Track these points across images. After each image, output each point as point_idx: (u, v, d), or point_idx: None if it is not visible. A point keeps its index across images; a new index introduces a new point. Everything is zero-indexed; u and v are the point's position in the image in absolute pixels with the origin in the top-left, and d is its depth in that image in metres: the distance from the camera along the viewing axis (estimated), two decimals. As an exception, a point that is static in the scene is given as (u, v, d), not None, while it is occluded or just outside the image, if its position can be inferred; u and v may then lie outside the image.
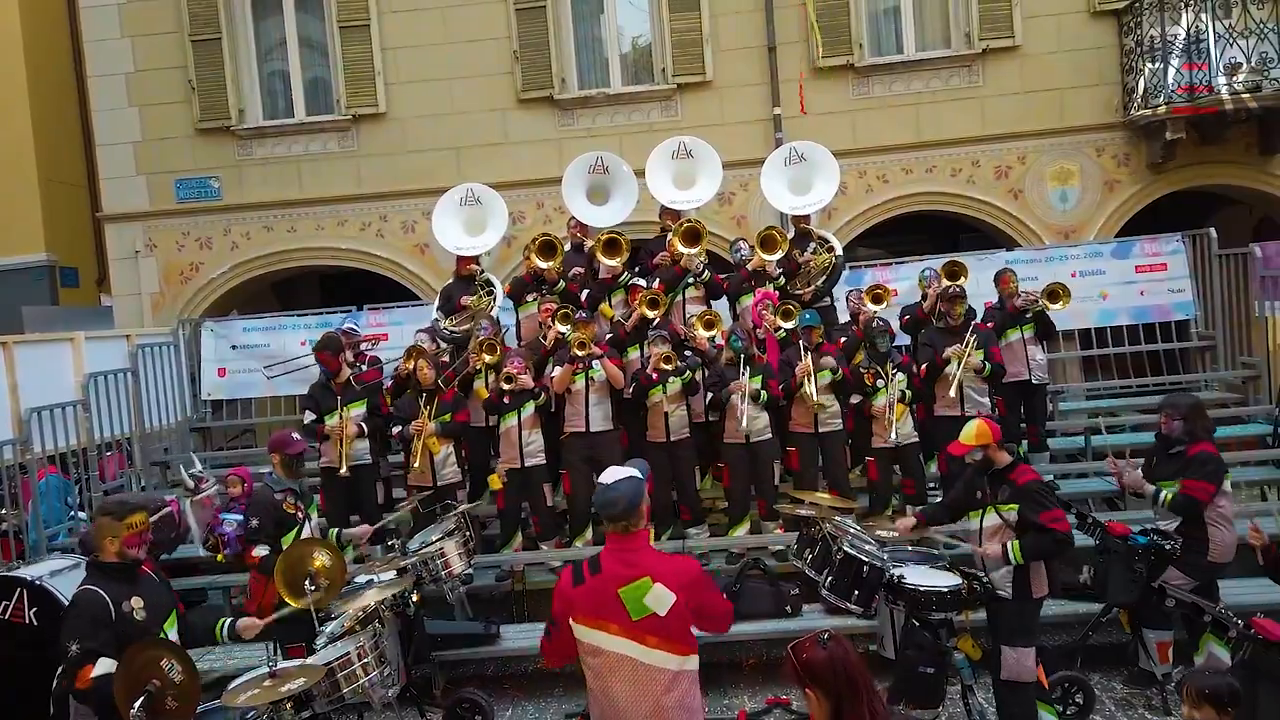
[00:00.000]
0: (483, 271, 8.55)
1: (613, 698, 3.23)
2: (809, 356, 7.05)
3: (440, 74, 10.77)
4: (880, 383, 7.11)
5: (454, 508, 6.49)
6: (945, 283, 7.69)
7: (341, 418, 7.13)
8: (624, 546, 3.28)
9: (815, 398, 6.96)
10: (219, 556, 7.14)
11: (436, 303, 8.61)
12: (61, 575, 5.79)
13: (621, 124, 10.70)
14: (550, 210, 10.37)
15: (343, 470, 7.05)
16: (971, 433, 5.02)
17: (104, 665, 3.83)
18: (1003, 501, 4.95)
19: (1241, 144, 10.19)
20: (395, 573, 5.63)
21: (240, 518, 6.63)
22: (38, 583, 5.65)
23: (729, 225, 10.49)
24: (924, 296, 8.26)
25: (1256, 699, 4.15)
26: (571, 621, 3.30)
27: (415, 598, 5.62)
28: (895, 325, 7.77)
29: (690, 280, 7.88)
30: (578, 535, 7.24)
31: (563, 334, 7.22)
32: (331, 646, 4.89)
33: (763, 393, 7.01)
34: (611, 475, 3.35)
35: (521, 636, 6.52)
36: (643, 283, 7.86)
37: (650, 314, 7.35)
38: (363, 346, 8.24)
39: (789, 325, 7.42)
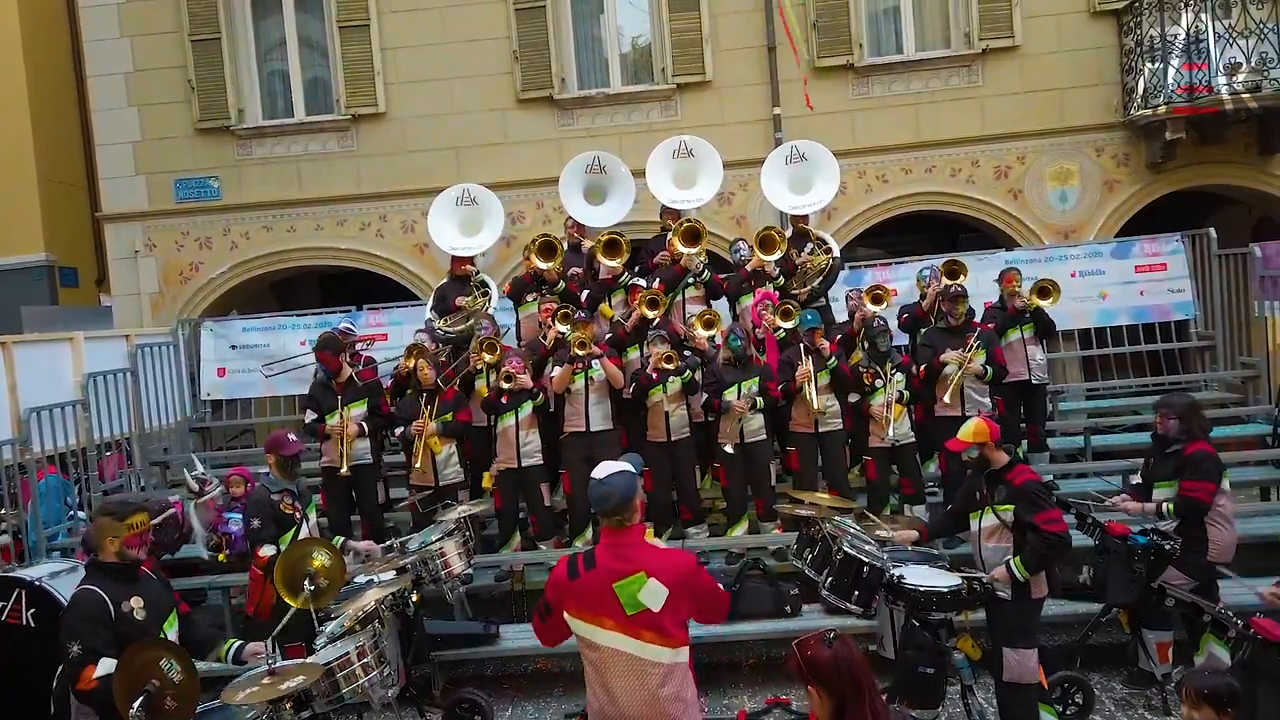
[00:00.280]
0: (478, 272, 8.54)
1: (610, 691, 3.27)
2: (809, 360, 7.04)
3: (440, 74, 10.77)
4: (879, 382, 7.12)
5: (454, 508, 6.49)
6: (945, 282, 7.69)
7: (342, 417, 7.13)
8: (618, 541, 3.31)
9: (816, 405, 6.96)
10: (220, 556, 7.13)
11: (430, 302, 8.60)
12: (60, 577, 5.78)
13: (621, 124, 10.70)
14: (550, 210, 10.36)
15: (343, 470, 7.05)
16: (970, 430, 5.03)
17: (105, 665, 3.83)
18: (999, 502, 4.95)
19: (1241, 144, 10.19)
20: (395, 572, 5.62)
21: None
22: (36, 584, 5.64)
23: (729, 225, 10.49)
24: (922, 296, 8.26)
25: (1256, 699, 4.14)
26: (566, 615, 3.33)
27: (415, 598, 5.62)
28: (893, 325, 7.76)
29: (690, 280, 7.88)
30: (577, 535, 7.23)
31: (562, 334, 7.22)
32: (331, 646, 4.88)
33: (759, 399, 7.02)
34: (604, 470, 3.37)
35: (521, 637, 6.51)
36: (642, 283, 7.86)
37: (650, 314, 7.35)
38: (358, 346, 8.23)
39: (788, 325, 7.43)
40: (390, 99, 10.84)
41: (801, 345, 7.21)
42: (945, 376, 7.11)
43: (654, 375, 6.97)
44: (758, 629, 6.33)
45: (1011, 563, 4.84)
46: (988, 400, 7.24)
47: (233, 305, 11.30)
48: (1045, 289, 7.71)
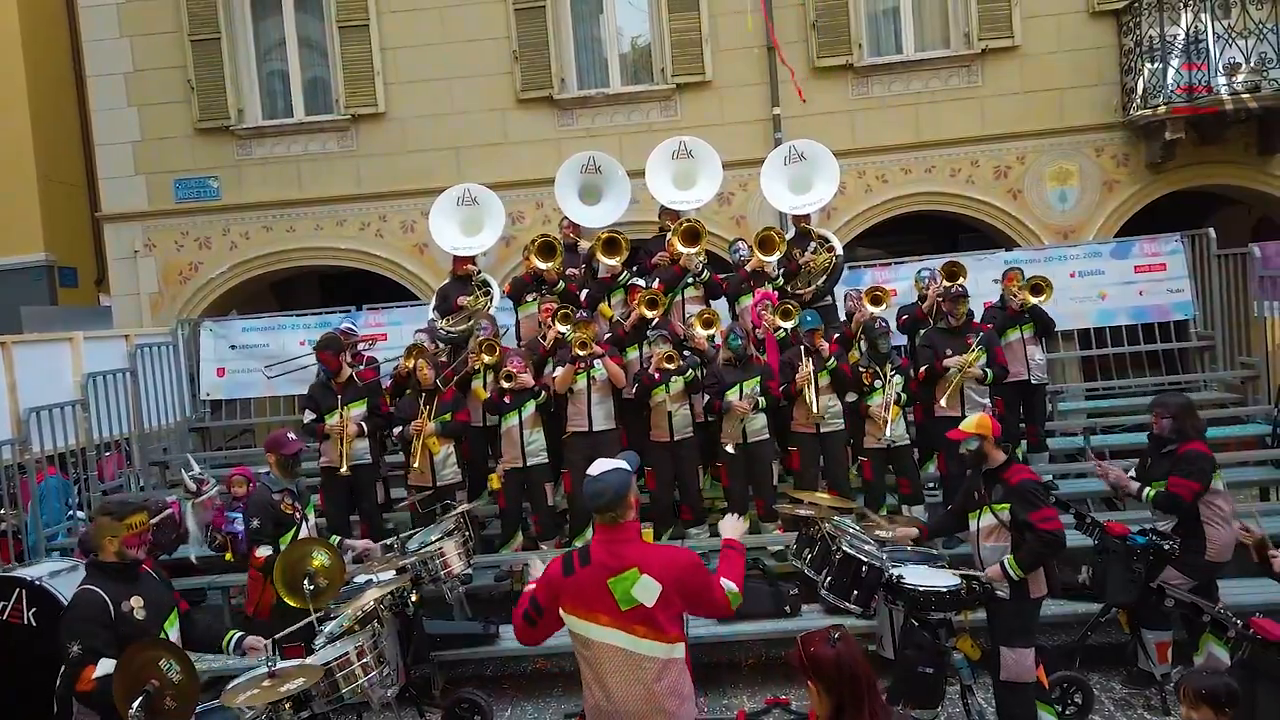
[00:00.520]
0: (480, 272, 8.55)
1: (606, 687, 3.29)
2: (809, 362, 7.04)
3: (439, 74, 10.77)
4: (878, 383, 7.12)
5: (454, 508, 6.49)
6: (945, 283, 7.69)
7: (342, 417, 7.14)
8: (612, 538, 3.32)
9: (816, 408, 6.97)
10: (227, 555, 7.12)
11: (433, 303, 8.61)
12: (60, 576, 5.78)
13: (621, 124, 10.70)
14: (549, 210, 10.35)
15: (343, 469, 7.05)
16: (973, 422, 5.07)
17: (105, 666, 3.83)
18: (996, 501, 4.96)
19: (1240, 144, 10.20)
20: (394, 572, 5.63)
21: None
22: (37, 583, 5.64)
23: (728, 225, 10.49)
24: (921, 297, 8.26)
25: (1255, 699, 4.14)
26: (562, 611, 3.35)
27: (414, 597, 5.61)
28: (892, 325, 7.76)
29: (690, 280, 7.88)
30: (578, 535, 7.23)
31: (563, 334, 7.22)
32: (330, 646, 4.88)
33: (761, 400, 7.02)
34: (599, 467, 3.39)
35: (520, 636, 6.52)
36: (642, 283, 7.86)
37: (649, 314, 7.35)
38: (359, 346, 8.24)
39: (788, 325, 7.43)
40: (390, 99, 10.84)
41: (801, 346, 7.21)
42: (945, 379, 7.12)
43: (656, 375, 6.97)
44: (757, 629, 6.33)
45: (1006, 561, 4.85)
46: (987, 401, 7.24)
47: (232, 305, 11.30)
48: (1038, 286, 7.73)
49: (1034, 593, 4.90)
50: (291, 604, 4.88)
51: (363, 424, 7.24)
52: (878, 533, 5.62)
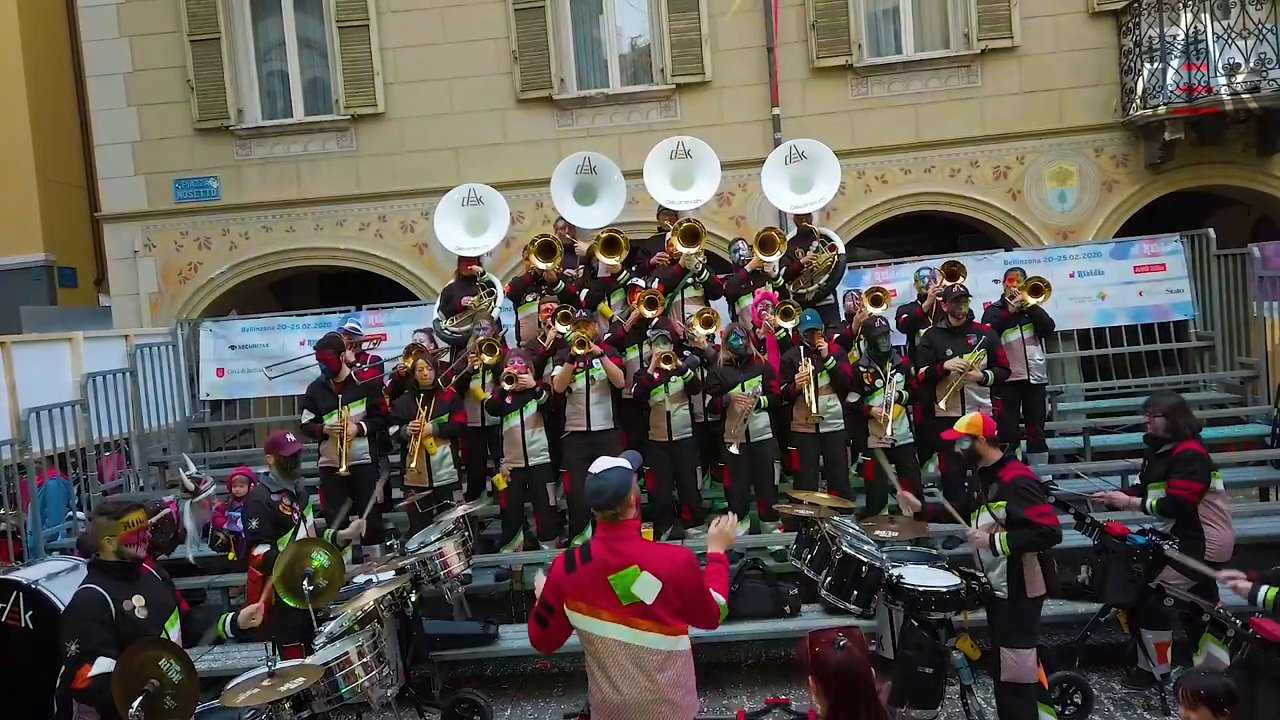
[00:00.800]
0: (484, 273, 8.55)
1: (611, 681, 3.35)
2: (809, 362, 7.04)
3: (439, 74, 10.77)
4: (878, 383, 7.12)
5: (454, 508, 6.49)
6: (945, 283, 7.69)
7: (341, 417, 7.13)
8: (613, 535, 3.38)
9: (815, 409, 6.96)
10: (230, 555, 7.12)
11: (437, 303, 8.61)
12: (58, 578, 5.77)
13: (620, 124, 10.70)
14: (549, 211, 10.32)
15: (342, 470, 7.05)
16: (964, 421, 5.09)
17: (103, 664, 3.83)
18: (992, 499, 4.97)
19: (1240, 144, 10.20)
20: (394, 573, 5.63)
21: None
22: (34, 586, 5.63)
23: (728, 225, 10.49)
24: (921, 297, 8.26)
25: (1254, 699, 4.14)
26: (566, 608, 3.41)
27: (414, 597, 5.62)
28: (892, 325, 7.76)
29: (689, 280, 7.88)
30: (578, 535, 7.23)
31: (562, 334, 7.22)
32: (330, 646, 4.89)
33: (763, 398, 7.02)
34: (601, 465, 3.45)
35: (520, 637, 6.51)
36: (641, 283, 7.86)
37: (649, 314, 7.35)
38: (364, 346, 8.24)
39: (789, 325, 7.43)
40: (389, 99, 10.84)
41: (801, 347, 7.21)
42: (945, 380, 7.12)
43: (655, 375, 6.97)
44: (757, 629, 6.33)
45: (998, 536, 4.85)
46: (988, 402, 7.25)
47: (232, 305, 11.30)
48: (1037, 287, 7.74)
49: (1031, 592, 4.90)
50: (291, 604, 4.87)
51: (362, 424, 7.24)
52: (877, 533, 5.62)
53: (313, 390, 7.44)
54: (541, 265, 7.79)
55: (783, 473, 7.58)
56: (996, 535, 4.86)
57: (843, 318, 8.29)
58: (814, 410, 6.97)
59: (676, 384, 7.09)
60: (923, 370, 7.25)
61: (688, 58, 10.56)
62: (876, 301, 7.58)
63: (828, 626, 2.83)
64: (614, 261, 7.77)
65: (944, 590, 4.94)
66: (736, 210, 10.62)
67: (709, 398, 7.19)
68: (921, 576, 5.10)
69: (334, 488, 7.24)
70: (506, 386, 7.00)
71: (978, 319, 7.64)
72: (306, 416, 7.32)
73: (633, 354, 7.53)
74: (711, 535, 3.76)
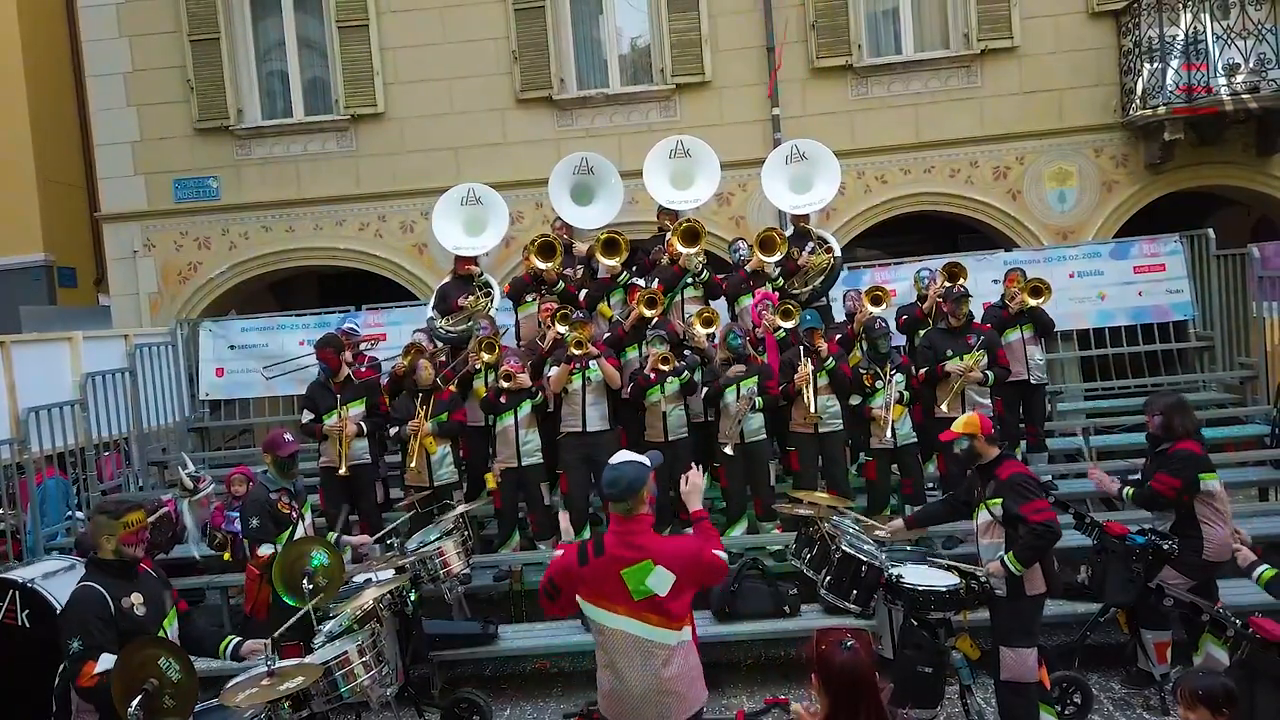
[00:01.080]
0: (481, 273, 8.54)
1: (618, 672, 3.48)
2: (808, 362, 7.04)
3: (439, 74, 10.77)
4: (879, 383, 7.12)
5: (453, 508, 6.49)
6: (945, 284, 7.69)
7: (340, 417, 7.13)
8: (626, 529, 3.48)
9: (814, 410, 6.96)
10: (225, 555, 7.11)
11: (431, 301, 8.60)
12: (55, 578, 5.77)
13: (620, 124, 10.70)
14: (549, 211, 10.30)
15: (342, 470, 7.05)
16: (961, 421, 5.12)
17: (106, 661, 3.82)
18: (990, 497, 4.97)
19: (1239, 145, 10.21)
20: (393, 572, 5.63)
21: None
22: (30, 585, 5.63)
23: (727, 225, 10.49)
24: (921, 298, 8.26)
25: (1254, 699, 4.14)
26: (578, 598, 3.53)
27: (413, 597, 5.61)
28: (891, 325, 7.77)
29: (689, 280, 7.88)
30: (575, 535, 7.22)
31: (561, 334, 7.22)
32: (330, 645, 4.88)
33: (758, 399, 7.02)
34: (620, 457, 3.59)
35: (519, 637, 6.52)
36: (641, 283, 7.86)
37: (648, 313, 7.35)
38: (362, 347, 8.23)
39: (788, 325, 7.43)
40: (389, 99, 10.84)
41: (801, 347, 7.21)
42: (946, 382, 7.12)
43: (652, 376, 6.97)
44: (756, 629, 6.33)
45: (1005, 558, 4.86)
46: (988, 402, 7.25)
47: (231, 305, 11.30)
48: (1037, 288, 7.74)
49: (1030, 590, 4.90)
50: (291, 604, 4.87)
51: (361, 424, 7.24)
52: (877, 532, 5.63)
53: (312, 390, 7.44)
54: (541, 265, 7.78)
55: (781, 473, 7.59)
56: (1005, 558, 4.86)
57: (843, 318, 8.29)
58: (812, 410, 6.97)
59: (673, 385, 7.08)
60: (923, 371, 7.25)
61: (687, 58, 10.56)
62: (876, 301, 7.58)
63: (835, 626, 2.85)
64: (614, 263, 7.77)
65: (943, 590, 4.94)
66: (736, 210, 10.62)
67: (707, 389, 7.18)
68: (921, 576, 5.11)
69: (334, 487, 7.24)
70: (504, 385, 6.99)
71: (977, 319, 7.64)
72: (306, 416, 7.32)
73: (632, 354, 7.52)
74: (686, 494, 3.83)
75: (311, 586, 4.80)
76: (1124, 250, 9.75)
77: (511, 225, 9.80)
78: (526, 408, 7.10)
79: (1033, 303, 7.70)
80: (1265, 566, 4.58)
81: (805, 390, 6.99)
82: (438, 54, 10.77)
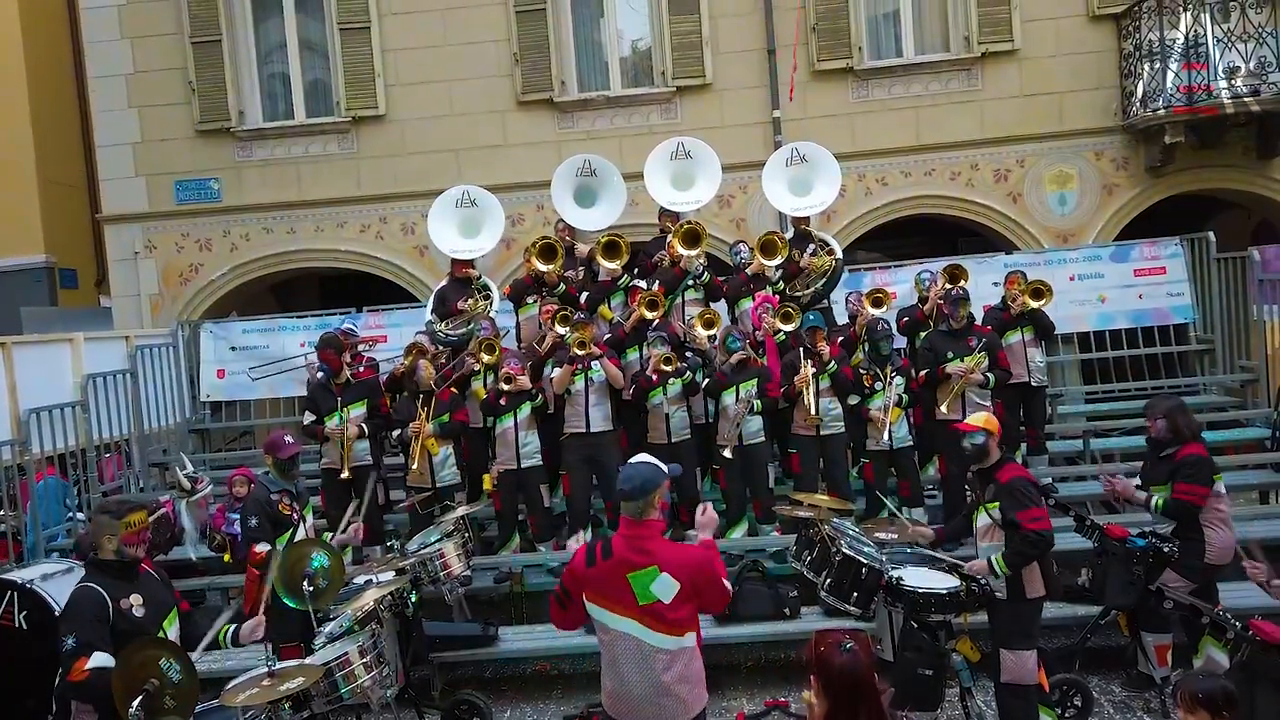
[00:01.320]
0: (479, 276, 8.54)
1: (620, 673, 3.51)
2: (808, 364, 7.04)
3: (440, 76, 10.78)
4: (879, 385, 7.12)
5: (453, 510, 6.49)
6: (946, 286, 7.69)
7: (342, 419, 7.13)
8: (636, 533, 3.49)
9: (815, 412, 6.96)
10: (226, 557, 7.11)
11: (430, 304, 8.60)
12: (54, 579, 5.77)
13: (621, 126, 10.71)
14: (550, 213, 10.32)
15: (344, 474, 7.04)
16: (980, 418, 5.13)
17: (99, 659, 3.82)
18: (989, 500, 4.98)
19: (1239, 148, 10.21)
20: (394, 573, 5.63)
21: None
22: (28, 586, 5.63)
23: (728, 228, 10.50)
24: (922, 300, 8.26)
25: (1254, 701, 4.14)
26: (585, 598, 3.54)
27: (414, 598, 5.62)
28: (893, 327, 7.77)
29: (690, 282, 7.88)
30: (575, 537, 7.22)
31: (562, 336, 7.22)
32: (330, 646, 4.88)
33: (757, 401, 7.02)
34: (639, 458, 3.62)
35: (520, 639, 6.52)
36: (642, 285, 7.86)
37: (649, 315, 7.35)
38: (360, 348, 8.22)
39: (788, 328, 7.42)
40: (390, 101, 10.85)
41: (802, 348, 7.20)
42: (946, 384, 7.12)
43: (654, 378, 6.97)
44: (756, 631, 6.33)
45: (993, 558, 4.87)
46: (988, 405, 7.24)
47: (232, 307, 11.31)
48: (1039, 290, 7.73)
49: (1030, 593, 4.90)
50: (291, 605, 4.87)
51: (363, 425, 7.23)
52: (877, 535, 5.62)
53: (313, 392, 7.44)
54: (542, 267, 7.79)
55: (781, 475, 7.58)
56: (993, 558, 4.87)
57: (845, 320, 8.28)
58: (813, 412, 6.97)
59: (675, 386, 7.09)
60: (923, 373, 7.25)
61: (688, 60, 10.58)
62: (877, 303, 7.59)
63: (835, 628, 2.84)
64: (615, 265, 7.77)
65: (944, 592, 4.94)
66: (737, 212, 10.62)
67: (708, 381, 7.18)
68: (921, 578, 5.10)
69: (335, 489, 7.23)
70: (504, 387, 6.99)
71: (978, 321, 7.64)
72: (308, 418, 7.32)
73: (632, 355, 7.53)
74: (700, 524, 3.80)
75: (312, 589, 4.80)
76: (1124, 253, 9.75)
77: (512, 227, 9.82)
78: (526, 410, 7.10)
79: (1033, 305, 7.70)
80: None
81: (806, 392, 6.99)
82: (439, 56, 10.78)
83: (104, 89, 11.11)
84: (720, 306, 8.21)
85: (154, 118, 11.03)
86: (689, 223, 7.85)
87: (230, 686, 4.09)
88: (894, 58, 10.63)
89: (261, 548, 5.61)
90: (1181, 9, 9.53)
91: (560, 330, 7.26)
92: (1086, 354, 9.84)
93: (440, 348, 7.97)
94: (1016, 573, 4.87)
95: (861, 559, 5.17)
